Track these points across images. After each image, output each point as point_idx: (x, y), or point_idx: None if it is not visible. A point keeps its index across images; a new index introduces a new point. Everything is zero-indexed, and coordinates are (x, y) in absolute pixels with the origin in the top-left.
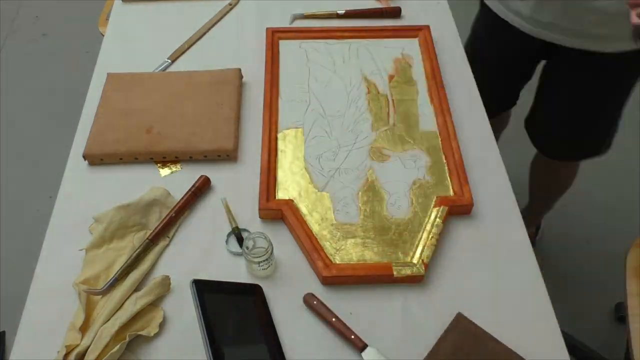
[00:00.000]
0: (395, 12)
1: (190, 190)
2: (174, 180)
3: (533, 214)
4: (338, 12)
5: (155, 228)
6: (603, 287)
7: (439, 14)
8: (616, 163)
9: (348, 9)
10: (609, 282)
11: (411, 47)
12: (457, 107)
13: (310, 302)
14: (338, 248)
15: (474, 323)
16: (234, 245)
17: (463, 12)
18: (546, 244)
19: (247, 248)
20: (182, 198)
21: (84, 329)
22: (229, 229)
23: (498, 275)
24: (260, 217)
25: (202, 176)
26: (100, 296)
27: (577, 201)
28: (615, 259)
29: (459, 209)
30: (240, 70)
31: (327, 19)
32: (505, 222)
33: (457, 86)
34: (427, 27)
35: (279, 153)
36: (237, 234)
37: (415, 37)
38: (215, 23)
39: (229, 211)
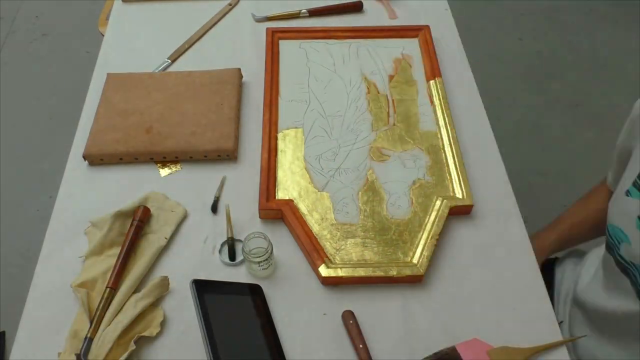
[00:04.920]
0: (357, 7)
1: (132, 224)
2: (174, 180)
3: None
4: (301, 11)
5: (110, 277)
6: None
7: (439, 14)
8: None
9: (311, 7)
10: None
11: (411, 47)
12: (457, 107)
13: (347, 320)
14: (338, 248)
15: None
16: (226, 256)
17: (463, 12)
18: None
19: (246, 249)
20: (125, 241)
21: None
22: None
23: (498, 275)
24: (260, 217)
25: (140, 207)
26: (99, 299)
27: None
28: None
29: (459, 209)
30: (240, 70)
31: (294, 19)
32: (505, 222)
33: (457, 86)
34: (427, 27)
35: (279, 153)
36: (230, 245)
37: (415, 37)
38: (215, 23)
39: (229, 220)
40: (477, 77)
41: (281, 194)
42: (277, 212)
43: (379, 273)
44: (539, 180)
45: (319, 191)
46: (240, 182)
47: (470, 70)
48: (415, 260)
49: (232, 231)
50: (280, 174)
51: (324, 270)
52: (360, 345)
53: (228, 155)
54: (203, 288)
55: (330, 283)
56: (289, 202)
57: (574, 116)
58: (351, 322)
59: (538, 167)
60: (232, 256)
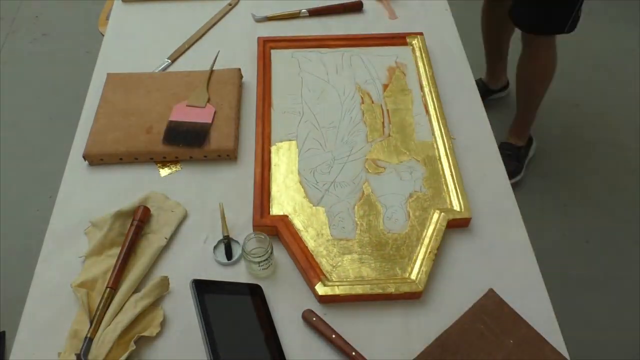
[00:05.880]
0: (357, 7)
1: (132, 224)
2: (174, 180)
3: (522, 123)
4: (301, 11)
5: (110, 277)
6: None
7: (439, 14)
8: None
9: (311, 7)
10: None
11: (405, 54)
12: (457, 112)
13: (309, 319)
14: (335, 265)
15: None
16: (221, 255)
17: (463, 12)
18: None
19: (246, 249)
20: (125, 241)
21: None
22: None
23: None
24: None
25: (140, 207)
26: (99, 299)
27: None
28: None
29: (457, 222)
30: (240, 70)
31: (294, 19)
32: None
33: (457, 90)
34: (421, 34)
35: (273, 167)
36: (227, 244)
37: (408, 44)
38: (215, 23)
39: (223, 217)
40: (477, 78)
41: (275, 210)
42: (271, 228)
43: (377, 290)
44: (539, 181)
45: (314, 206)
46: (240, 182)
47: (471, 71)
48: (413, 276)
49: (227, 229)
50: (274, 188)
51: (320, 289)
52: (333, 336)
53: (228, 155)
54: (203, 288)
55: (328, 302)
56: (284, 218)
57: (574, 116)
58: (314, 318)
59: (538, 168)
60: (228, 255)
